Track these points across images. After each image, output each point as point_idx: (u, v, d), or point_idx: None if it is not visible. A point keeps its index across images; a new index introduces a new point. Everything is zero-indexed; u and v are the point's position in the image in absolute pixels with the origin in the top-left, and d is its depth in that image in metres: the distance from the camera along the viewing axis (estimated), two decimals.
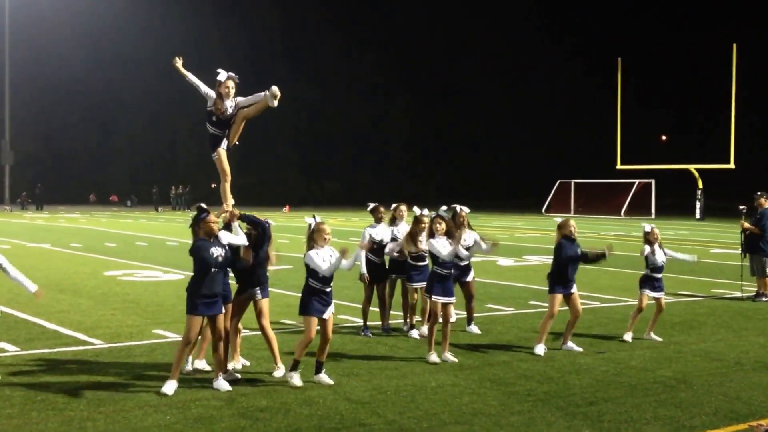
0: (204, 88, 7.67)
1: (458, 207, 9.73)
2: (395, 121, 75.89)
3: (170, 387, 6.71)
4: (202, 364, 7.61)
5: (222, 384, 6.88)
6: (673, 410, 6.47)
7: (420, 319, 9.58)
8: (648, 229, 9.54)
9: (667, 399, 6.80)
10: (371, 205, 9.74)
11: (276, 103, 7.45)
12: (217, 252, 6.92)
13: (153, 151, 69.27)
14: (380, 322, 9.62)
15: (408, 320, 9.66)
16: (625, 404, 6.62)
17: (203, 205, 7.14)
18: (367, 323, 9.47)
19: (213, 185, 71.86)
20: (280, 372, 7.34)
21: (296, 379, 7.01)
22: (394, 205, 9.91)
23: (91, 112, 67.78)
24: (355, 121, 73.37)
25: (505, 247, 22.82)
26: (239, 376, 7.31)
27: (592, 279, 14.89)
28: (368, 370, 7.71)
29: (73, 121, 66.99)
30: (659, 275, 9.48)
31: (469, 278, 9.78)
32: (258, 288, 7.48)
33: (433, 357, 8.02)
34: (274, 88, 7.41)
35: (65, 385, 6.99)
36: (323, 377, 7.15)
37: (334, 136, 72.81)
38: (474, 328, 9.78)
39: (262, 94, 7.51)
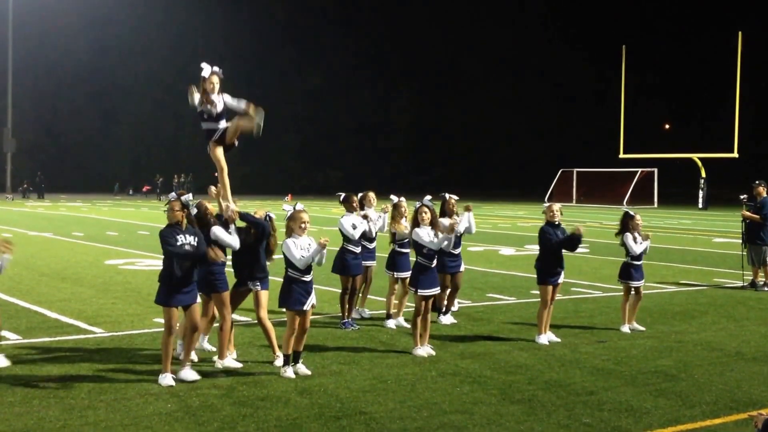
0: (193, 100, 7.49)
1: (446, 195, 9.67)
2: (398, 110, 75.80)
3: (166, 379, 6.63)
4: (229, 361, 7.37)
5: (189, 374, 6.77)
6: (674, 399, 6.47)
7: (396, 310, 9.53)
8: (630, 214, 9.47)
9: (668, 388, 6.80)
10: (342, 195, 9.57)
11: (259, 131, 7.40)
12: (182, 240, 6.75)
13: (156, 140, 69.23)
14: (344, 315, 9.30)
15: (387, 310, 9.51)
16: (625, 393, 6.62)
17: (176, 194, 6.98)
18: (348, 315, 9.31)
19: (216, 174, 71.87)
20: (280, 361, 7.34)
21: (290, 372, 6.97)
22: (361, 194, 9.75)
23: (94, 100, 67.70)
24: (359, 110, 73.26)
25: (507, 236, 22.81)
26: (240, 364, 7.32)
27: (594, 268, 14.88)
28: (369, 359, 7.71)
29: (76, 109, 66.93)
30: (639, 263, 9.38)
31: (461, 269, 9.73)
32: (257, 281, 7.49)
33: (420, 351, 7.86)
34: (258, 119, 7.32)
35: (66, 373, 7.00)
36: (300, 367, 7.04)
37: (337, 125, 72.71)
38: (449, 319, 9.60)
39: (243, 104, 7.46)
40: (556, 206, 8.86)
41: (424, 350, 7.93)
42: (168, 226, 6.83)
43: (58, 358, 7.49)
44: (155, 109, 68.64)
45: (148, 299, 10.87)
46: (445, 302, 9.65)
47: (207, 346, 7.88)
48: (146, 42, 66.34)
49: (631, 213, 9.44)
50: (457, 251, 9.55)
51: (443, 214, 9.52)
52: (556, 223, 8.73)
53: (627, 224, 9.37)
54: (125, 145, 68.81)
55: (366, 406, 6.17)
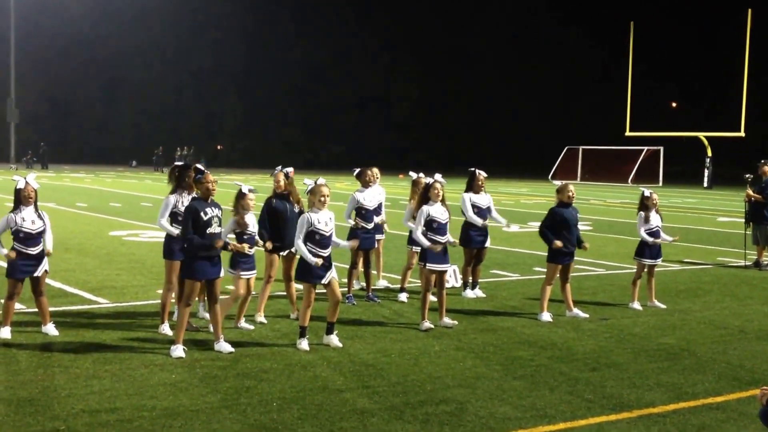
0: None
1: (476, 171, 9.66)
2: (401, 86, 75.30)
3: (177, 351, 6.67)
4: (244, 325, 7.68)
5: (224, 346, 6.88)
6: (676, 377, 6.48)
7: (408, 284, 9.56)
8: (647, 193, 9.43)
9: (670, 366, 6.81)
10: (357, 170, 9.50)
11: None
12: (211, 213, 6.84)
13: (157, 111, 69.00)
14: (366, 291, 9.40)
15: (401, 284, 9.57)
16: (627, 371, 6.63)
17: (200, 165, 7.19)
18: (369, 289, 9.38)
19: (219, 147, 71.81)
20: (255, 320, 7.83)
21: (304, 344, 7.02)
22: (359, 169, 9.52)
23: (95, 70, 67.40)
24: (361, 85, 72.79)
25: (510, 212, 22.77)
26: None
27: (598, 246, 14.85)
28: (372, 333, 7.74)
29: (78, 79, 66.67)
30: (654, 241, 9.37)
31: (487, 243, 9.80)
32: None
33: (426, 324, 7.90)
34: None
35: (71, 343, 7.04)
36: (333, 339, 7.15)
37: (340, 99, 72.30)
38: (476, 292, 9.77)
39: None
40: (572, 187, 8.75)
41: (444, 322, 8.03)
42: (198, 198, 6.95)
43: (62, 328, 7.51)
44: (157, 79, 68.33)
45: (152, 270, 10.91)
46: (470, 277, 9.76)
47: (203, 313, 8.01)
48: (147, 11, 65.81)
49: (647, 192, 9.43)
50: (482, 224, 9.58)
51: (470, 189, 9.54)
52: (569, 204, 8.64)
53: (641, 203, 9.40)
54: (127, 115, 68.66)
55: (369, 379, 6.19)
